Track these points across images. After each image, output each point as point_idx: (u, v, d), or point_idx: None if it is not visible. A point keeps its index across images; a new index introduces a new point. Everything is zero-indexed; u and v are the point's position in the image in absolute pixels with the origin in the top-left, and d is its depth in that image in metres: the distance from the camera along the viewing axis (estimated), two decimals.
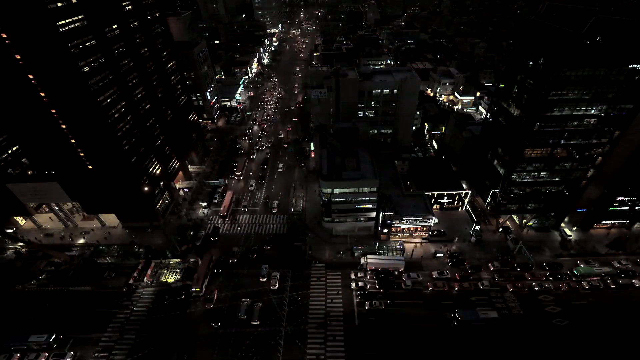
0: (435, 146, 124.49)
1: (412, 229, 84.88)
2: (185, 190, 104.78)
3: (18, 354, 63.40)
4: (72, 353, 63.44)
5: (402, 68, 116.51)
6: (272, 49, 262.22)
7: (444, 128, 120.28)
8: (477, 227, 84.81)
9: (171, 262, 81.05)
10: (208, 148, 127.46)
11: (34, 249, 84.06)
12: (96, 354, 63.68)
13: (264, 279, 75.84)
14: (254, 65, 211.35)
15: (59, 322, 68.92)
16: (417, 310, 70.20)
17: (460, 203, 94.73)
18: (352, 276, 77.31)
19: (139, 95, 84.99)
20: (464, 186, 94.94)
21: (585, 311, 69.61)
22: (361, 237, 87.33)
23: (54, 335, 64.87)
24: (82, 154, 75.63)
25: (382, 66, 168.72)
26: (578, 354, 62.10)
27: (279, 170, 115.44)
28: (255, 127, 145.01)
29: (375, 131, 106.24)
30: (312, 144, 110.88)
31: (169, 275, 78.17)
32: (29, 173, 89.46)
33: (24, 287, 76.49)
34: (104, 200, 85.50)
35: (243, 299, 71.21)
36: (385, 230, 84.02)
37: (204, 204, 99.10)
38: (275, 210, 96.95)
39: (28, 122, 70.92)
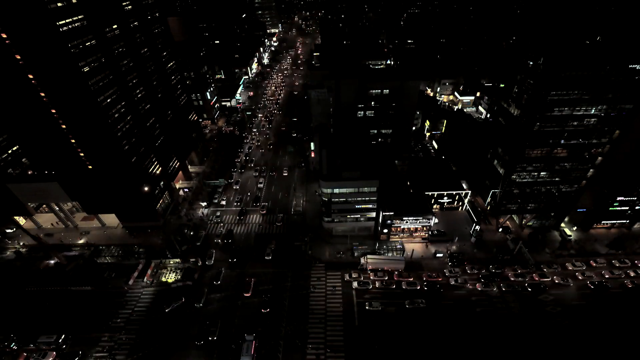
0: (435, 146, 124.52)
1: (412, 229, 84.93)
2: (185, 190, 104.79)
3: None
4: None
5: (402, 68, 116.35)
6: (272, 49, 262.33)
7: (443, 128, 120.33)
8: (477, 227, 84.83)
9: (171, 262, 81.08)
10: (208, 148, 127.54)
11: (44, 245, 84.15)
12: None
13: None
14: (254, 65, 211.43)
15: (59, 321, 69.13)
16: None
17: (460, 203, 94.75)
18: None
19: (139, 95, 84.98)
20: (464, 186, 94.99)
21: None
22: (361, 237, 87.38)
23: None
24: (82, 154, 75.56)
25: (382, 66, 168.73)
26: None
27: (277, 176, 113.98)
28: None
29: (375, 131, 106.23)
30: (312, 144, 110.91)
31: (168, 275, 78.19)
32: (29, 173, 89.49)
33: (24, 286, 76.57)
34: (104, 200, 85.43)
35: None
36: (385, 230, 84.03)
37: (204, 204, 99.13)
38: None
39: (28, 122, 70.88)
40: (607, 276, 76.29)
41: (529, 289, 73.53)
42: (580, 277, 76.21)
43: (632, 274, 76.55)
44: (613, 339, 64.16)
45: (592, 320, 67.72)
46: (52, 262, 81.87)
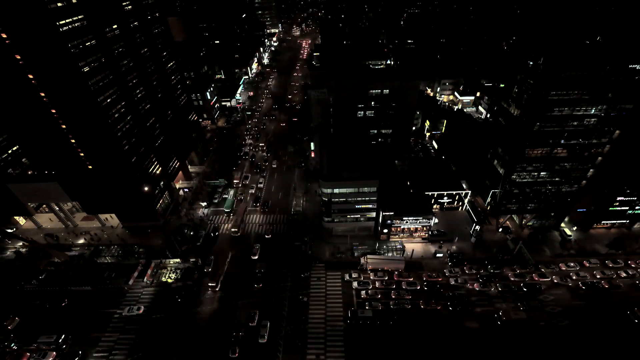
0: (435, 146, 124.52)
1: (412, 229, 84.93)
2: (185, 190, 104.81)
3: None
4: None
5: (402, 68, 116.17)
6: (272, 49, 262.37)
7: (443, 128, 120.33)
8: (477, 227, 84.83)
9: (171, 262, 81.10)
10: (208, 148, 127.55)
11: (37, 246, 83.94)
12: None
13: None
14: (254, 65, 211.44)
15: (60, 321, 69.19)
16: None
17: (460, 203, 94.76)
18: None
19: (139, 95, 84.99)
20: (464, 186, 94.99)
21: None
22: (361, 237, 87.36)
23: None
24: (82, 154, 75.57)
25: (382, 66, 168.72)
26: None
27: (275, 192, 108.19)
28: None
29: (375, 131, 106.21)
30: (312, 144, 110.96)
31: (168, 275, 78.21)
32: (29, 173, 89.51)
33: (25, 286, 76.56)
34: (104, 200, 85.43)
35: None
36: (385, 230, 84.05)
37: (204, 204, 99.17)
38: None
39: (28, 122, 70.89)
40: (598, 276, 76.19)
41: (525, 289, 73.65)
42: (574, 277, 76.15)
43: (623, 275, 76.54)
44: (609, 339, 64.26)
45: (590, 320, 67.79)
46: (48, 267, 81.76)
